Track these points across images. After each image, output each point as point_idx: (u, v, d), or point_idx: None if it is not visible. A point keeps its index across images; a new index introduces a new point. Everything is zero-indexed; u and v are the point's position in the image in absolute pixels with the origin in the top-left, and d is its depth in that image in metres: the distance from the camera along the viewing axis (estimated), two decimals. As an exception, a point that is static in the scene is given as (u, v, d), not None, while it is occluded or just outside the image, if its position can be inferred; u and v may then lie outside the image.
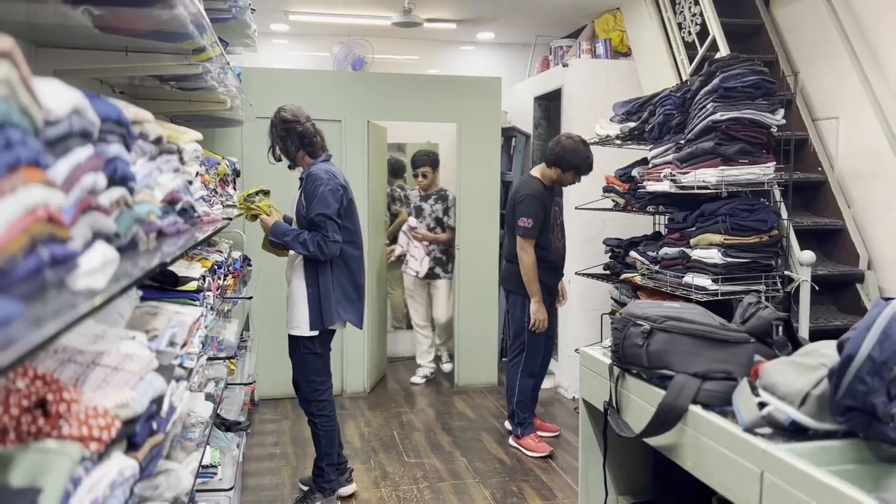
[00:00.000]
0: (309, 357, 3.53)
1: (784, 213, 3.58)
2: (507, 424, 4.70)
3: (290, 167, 3.64)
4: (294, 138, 3.50)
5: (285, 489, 3.89)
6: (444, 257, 5.80)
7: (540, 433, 4.58)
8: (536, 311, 4.28)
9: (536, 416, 4.68)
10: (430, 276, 5.79)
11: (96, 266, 0.92)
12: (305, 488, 3.79)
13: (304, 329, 3.49)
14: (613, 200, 4.49)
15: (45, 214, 0.70)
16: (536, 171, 4.40)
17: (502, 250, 6.12)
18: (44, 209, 0.70)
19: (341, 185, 3.49)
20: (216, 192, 3.00)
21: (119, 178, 1.13)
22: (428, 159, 5.79)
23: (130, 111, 1.31)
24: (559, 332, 5.40)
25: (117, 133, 1.16)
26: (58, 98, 0.84)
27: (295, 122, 3.50)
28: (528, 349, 4.37)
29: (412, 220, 5.76)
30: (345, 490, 3.76)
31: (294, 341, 3.55)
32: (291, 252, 3.54)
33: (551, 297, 4.48)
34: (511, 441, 4.55)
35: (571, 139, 4.26)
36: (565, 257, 4.54)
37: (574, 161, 4.20)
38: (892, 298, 1.44)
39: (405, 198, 6.38)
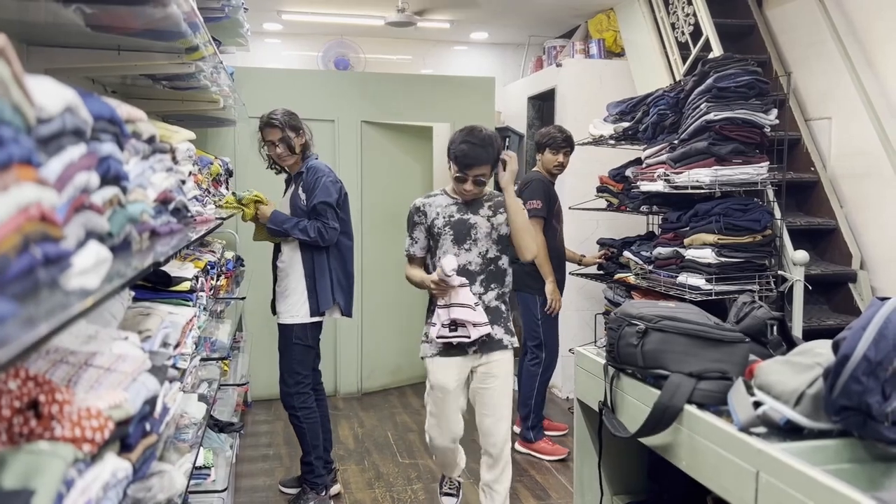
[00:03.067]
0: (299, 348, 3.57)
1: (777, 213, 3.59)
2: (516, 428, 4.49)
3: (278, 171, 3.72)
4: (302, 133, 3.59)
5: (278, 490, 3.87)
6: (502, 306, 3.13)
7: (551, 432, 4.59)
8: (552, 291, 4.22)
9: (546, 417, 4.67)
10: (489, 346, 3.04)
11: (89, 266, 0.91)
12: (288, 490, 3.79)
13: (302, 316, 3.53)
14: (607, 200, 4.50)
15: (38, 213, 0.70)
16: (534, 168, 4.45)
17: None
18: (37, 208, 0.69)
19: (338, 178, 3.63)
20: (209, 192, 2.99)
21: (112, 177, 1.12)
22: (486, 155, 2.92)
23: (123, 110, 1.30)
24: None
25: (110, 132, 1.15)
26: (50, 96, 0.83)
27: (297, 116, 3.63)
28: (548, 349, 4.32)
29: (449, 262, 2.87)
30: (330, 490, 3.76)
31: (287, 331, 3.58)
32: (285, 247, 3.59)
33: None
34: (518, 446, 4.44)
35: (547, 126, 4.51)
36: (565, 252, 4.50)
37: (545, 135, 4.30)
38: (888, 298, 1.45)
39: (420, 211, 3.08)
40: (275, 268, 3.66)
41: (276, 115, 3.55)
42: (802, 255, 3.43)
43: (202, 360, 2.67)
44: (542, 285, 4.25)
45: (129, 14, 1.70)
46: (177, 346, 1.79)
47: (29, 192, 0.68)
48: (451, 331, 2.96)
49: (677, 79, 4.41)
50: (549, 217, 4.27)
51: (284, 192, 3.69)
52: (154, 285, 2.10)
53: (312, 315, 3.54)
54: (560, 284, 4.38)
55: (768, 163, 3.48)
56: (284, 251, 3.60)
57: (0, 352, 0.52)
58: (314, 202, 3.46)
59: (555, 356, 4.41)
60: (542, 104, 6.07)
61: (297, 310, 3.54)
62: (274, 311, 3.66)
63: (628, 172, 4.20)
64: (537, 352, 4.33)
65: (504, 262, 3.11)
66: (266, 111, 5.30)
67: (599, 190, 4.55)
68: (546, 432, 4.58)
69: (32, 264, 0.68)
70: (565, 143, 4.29)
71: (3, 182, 0.64)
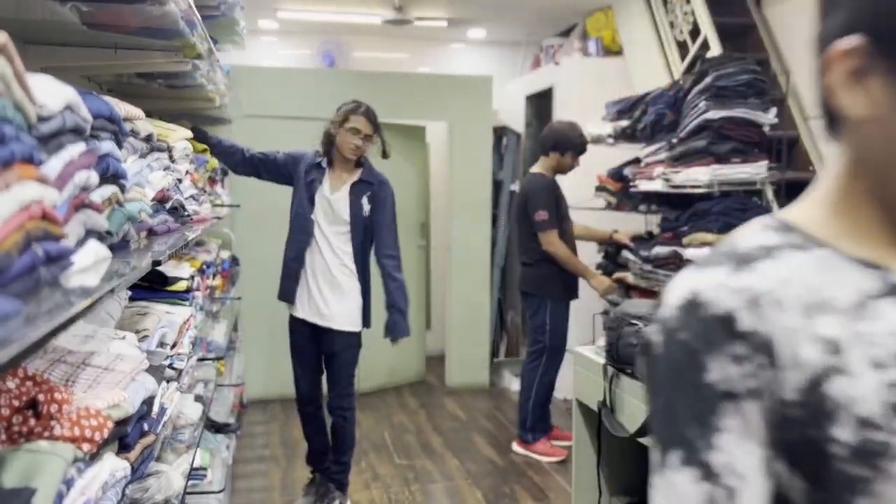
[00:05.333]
0: (356, 352, 3.58)
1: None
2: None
3: (323, 156, 3.56)
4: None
5: (275, 491, 3.86)
6: None
7: (560, 442, 4.43)
8: (598, 283, 4.16)
9: (555, 426, 4.53)
10: None
11: (89, 264, 0.91)
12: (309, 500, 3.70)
13: (358, 324, 3.53)
14: (605, 200, 4.50)
15: (40, 211, 0.69)
16: (537, 168, 4.31)
17: (495, 252, 6.14)
18: (38, 206, 0.69)
19: None
20: (205, 191, 2.98)
21: (111, 175, 1.12)
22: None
23: (121, 108, 1.30)
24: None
25: (109, 130, 1.15)
26: (51, 94, 0.82)
27: None
28: (549, 353, 4.25)
29: None
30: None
31: (346, 338, 3.52)
32: (336, 247, 3.49)
33: (569, 295, 4.29)
34: (516, 447, 4.43)
35: (561, 122, 4.30)
36: (577, 251, 4.37)
37: (569, 140, 4.16)
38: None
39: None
40: (299, 259, 3.50)
41: (373, 111, 3.60)
42: (800, 254, 3.43)
43: (198, 360, 2.66)
44: (556, 289, 4.17)
45: (126, 12, 1.69)
46: (174, 345, 1.78)
47: (31, 191, 0.67)
48: None
49: (676, 77, 4.40)
50: (559, 220, 4.18)
51: (310, 182, 3.50)
52: (150, 284, 2.09)
53: (365, 324, 3.58)
54: (573, 284, 4.31)
55: (767, 162, 3.48)
56: (341, 256, 3.50)
57: (7, 349, 0.52)
58: (387, 227, 3.49)
59: (558, 361, 4.34)
60: (540, 103, 6.06)
61: (355, 317, 3.52)
62: (281, 298, 3.56)
63: (627, 171, 4.20)
64: (537, 355, 4.29)
65: None
66: (262, 110, 5.28)
67: (598, 189, 4.55)
68: (556, 441, 4.45)
69: (34, 262, 0.67)
70: (585, 148, 4.22)
71: (6, 180, 0.63)
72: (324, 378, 3.68)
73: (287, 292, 3.55)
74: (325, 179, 3.52)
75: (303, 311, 3.52)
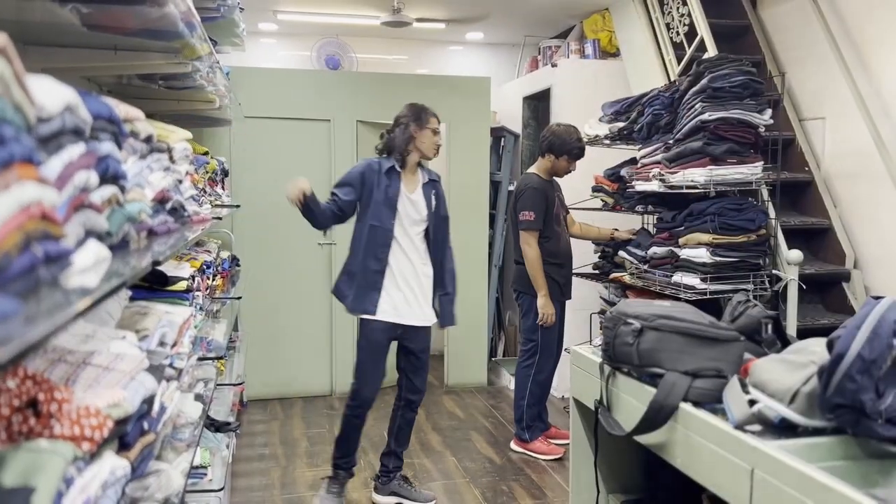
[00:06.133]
0: None
1: (772, 213, 3.61)
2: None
3: (420, 162, 3.59)
4: None
5: (274, 490, 3.87)
6: None
7: (557, 441, 4.44)
8: (544, 304, 4.16)
9: (553, 426, 4.54)
10: None
11: (89, 264, 0.92)
12: (383, 499, 3.75)
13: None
14: (602, 200, 4.51)
15: (39, 212, 0.70)
16: (533, 168, 4.35)
17: (492, 252, 6.16)
18: (38, 206, 0.70)
19: None
20: (205, 192, 2.99)
21: (111, 176, 1.13)
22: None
23: (121, 109, 1.31)
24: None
25: (109, 131, 1.16)
26: (51, 95, 0.83)
27: None
28: (541, 351, 4.27)
29: None
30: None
31: (430, 332, 3.67)
32: (418, 247, 3.55)
33: (563, 295, 4.31)
34: (514, 445, 4.45)
35: (560, 125, 4.31)
36: (572, 252, 4.39)
37: (566, 143, 4.17)
38: (882, 297, 1.46)
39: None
40: (382, 270, 3.50)
41: None
42: (796, 254, 3.44)
43: (198, 359, 2.67)
44: (548, 288, 4.21)
45: (126, 14, 1.70)
46: (174, 345, 1.79)
47: (30, 191, 0.69)
48: None
49: (672, 79, 4.42)
50: (549, 222, 4.20)
51: (387, 188, 3.47)
52: (151, 285, 2.10)
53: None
54: (566, 284, 4.32)
55: (763, 162, 3.49)
56: (422, 255, 3.58)
57: (7, 348, 0.53)
58: (446, 219, 3.65)
59: (551, 359, 4.35)
60: (538, 104, 6.08)
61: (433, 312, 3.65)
62: (363, 311, 3.52)
63: (623, 172, 4.21)
64: (531, 354, 4.30)
65: None
66: (262, 111, 5.29)
67: (594, 189, 4.56)
68: (554, 440, 4.46)
69: (34, 262, 0.69)
70: (582, 153, 4.23)
71: (5, 181, 0.64)
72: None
73: (370, 302, 3.49)
74: (400, 182, 3.52)
75: (399, 316, 3.52)
